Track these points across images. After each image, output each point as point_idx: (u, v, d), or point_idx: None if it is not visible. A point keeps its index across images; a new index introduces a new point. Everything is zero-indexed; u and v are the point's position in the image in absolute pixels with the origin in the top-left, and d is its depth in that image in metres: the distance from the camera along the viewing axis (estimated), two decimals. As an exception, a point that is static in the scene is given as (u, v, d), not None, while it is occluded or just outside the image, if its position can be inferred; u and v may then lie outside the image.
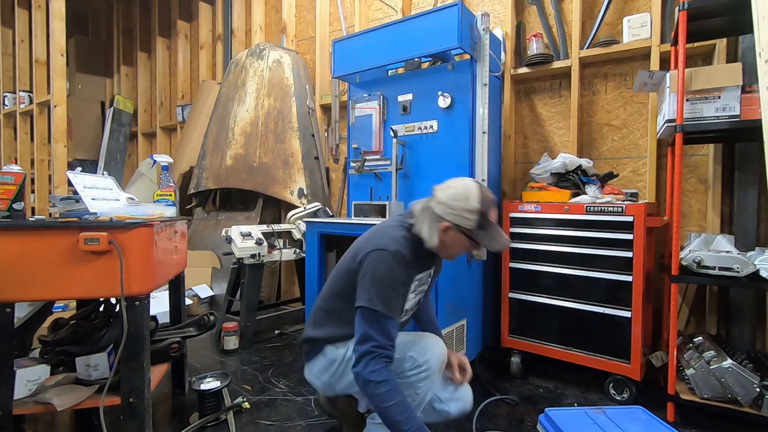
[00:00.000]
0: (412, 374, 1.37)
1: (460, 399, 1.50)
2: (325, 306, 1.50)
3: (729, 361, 1.69)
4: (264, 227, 2.93)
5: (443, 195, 1.35)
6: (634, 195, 2.24)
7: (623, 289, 1.96)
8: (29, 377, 1.52)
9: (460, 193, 1.32)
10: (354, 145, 2.79)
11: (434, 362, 1.38)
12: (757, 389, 1.63)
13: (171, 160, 2.16)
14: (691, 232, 2.17)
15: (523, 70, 2.69)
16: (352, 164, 2.77)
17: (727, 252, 1.78)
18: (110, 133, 5.08)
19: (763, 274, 1.66)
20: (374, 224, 2.20)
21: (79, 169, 1.81)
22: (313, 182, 3.53)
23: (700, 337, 1.94)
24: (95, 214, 1.53)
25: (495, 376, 2.27)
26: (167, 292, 2.08)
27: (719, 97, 1.71)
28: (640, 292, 1.92)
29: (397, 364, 1.37)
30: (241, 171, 3.57)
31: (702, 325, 2.26)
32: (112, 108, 5.16)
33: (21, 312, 1.66)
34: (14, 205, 1.48)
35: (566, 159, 2.31)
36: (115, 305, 1.76)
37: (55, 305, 2.16)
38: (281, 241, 2.95)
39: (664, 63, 2.31)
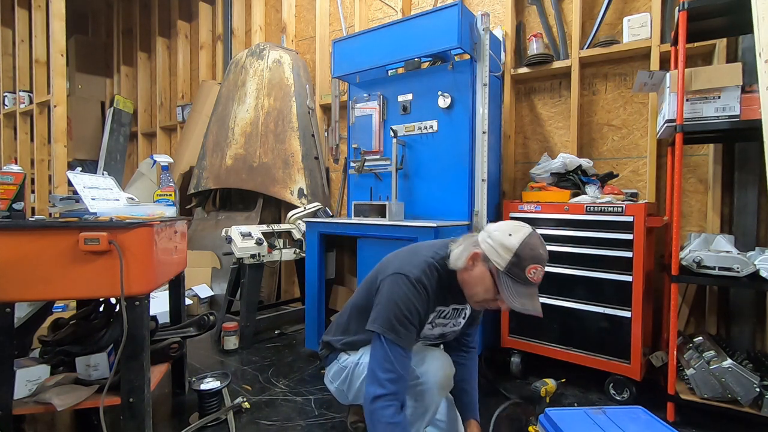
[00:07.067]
0: (413, 384, 1.33)
1: None
2: (344, 313, 1.51)
3: (729, 361, 1.69)
4: (264, 227, 2.93)
5: (493, 225, 1.28)
6: (634, 195, 2.24)
7: (623, 289, 1.96)
8: (29, 377, 1.52)
9: (507, 227, 1.23)
10: (354, 145, 2.79)
11: (431, 377, 1.32)
12: (757, 389, 1.63)
13: (171, 160, 2.16)
14: (691, 232, 2.17)
15: (523, 70, 2.69)
16: (352, 164, 2.77)
17: (727, 252, 1.78)
18: (110, 133, 5.07)
19: (763, 274, 1.66)
20: (375, 224, 2.21)
21: (79, 169, 1.81)
22: (313, 182, 3.52)
23: (700, 337, 1.94)
24: (95, 214, 1.52)
25: (495, 376, 2.27)
26: (167, 292, 2.08)
27: (719, 97, 1.71)
28: (640, 292, 1.92)
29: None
30: (241, 171, 3.57)
31: (702, 325, 2.26)
32: (112, 108, 5.15)
33: (21, 312, 1.66)
34: (14, 205, 1.48)
35: (566, 159, 2.31)
36: (115, 305, 1.76)
37: (55, 305, 2.16)
38: (281, 241, 2.95)
39: (664, 63, 2.31)
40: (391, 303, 1.23)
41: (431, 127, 2.42)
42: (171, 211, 1.81)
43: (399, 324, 1.21)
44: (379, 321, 1.23)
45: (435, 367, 1.35)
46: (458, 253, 1.27)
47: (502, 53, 2.65)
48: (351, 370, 1.44)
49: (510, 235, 1.20)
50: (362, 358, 1.41)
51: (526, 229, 1.23)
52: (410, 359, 1.26)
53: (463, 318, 1.47)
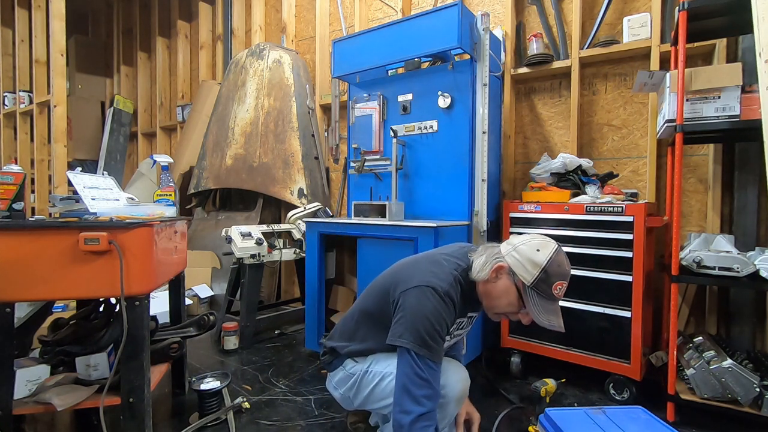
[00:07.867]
0: None
1: None
2: (351, 319, 1.48)
3: (729, 361, 1.69)
4: (264, 227, 2.93)
5: (517, 238, 1.28)
6: (634, 195, 2.24)
7: (623, 289, 1.96)
8: (29, 377, 1.52)
9: (534, 243, 1.23)
10: (354, 145, 2.79)
11: (451, 390, 1.33)
12: (757, 389, 1.63)
13: (171, 160, 2.16)
14: (691, 232, 2.17)
15: (523, 70, 2.69)
16: (352, 164, 2.77)
17: (727, 252, 1.78)
18: (110, 133, 5.08)
19: (763, 274, 1.66)
20: (375, 224, 2.21)
21: (79, 169, 1.81)
22: (313, 182, 3.52)
23: (700, 337, 1.94)
24: (95, 214, 1.52)
25: (495, 376, 2.27)
26: (167, 292, 2.08)
27: (719, 97, 1.71)
28: (640, 292, 1.92)
29: None
30: (241, 171, 3.57)
31: (702, 325, 2.26)
32: (112, 108, 5.16)
33: (21, 312, 1.66)
34: (14, 205, 1.48)
35: (566, 159, 2.31)
36: (115, 305, 1.76)
37: (55, 305, 2.16)
38: (281, 241, 2.95)
39: (664, 63, 2.31)
40: (419, 317, 1.19)
41: (431, 127, 2.42)
42: (171, 211, 1.81)
43: (430, 338, 1.18)
44: (409, 336, 1.18)
45: (455, 380, 1.35)
46: (480, 264, 1.27)
47: (502, 53, 2.65)
48: (359, 377, 1.40)
49: (538, 250, 1.20)
50: (372, 366, 1.39)
51: (553, 244, 1.23)
52: (440, 373, 1.23)
53: (472, 323, 1.48)
